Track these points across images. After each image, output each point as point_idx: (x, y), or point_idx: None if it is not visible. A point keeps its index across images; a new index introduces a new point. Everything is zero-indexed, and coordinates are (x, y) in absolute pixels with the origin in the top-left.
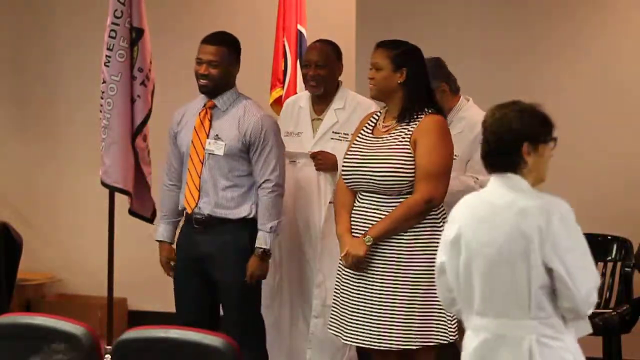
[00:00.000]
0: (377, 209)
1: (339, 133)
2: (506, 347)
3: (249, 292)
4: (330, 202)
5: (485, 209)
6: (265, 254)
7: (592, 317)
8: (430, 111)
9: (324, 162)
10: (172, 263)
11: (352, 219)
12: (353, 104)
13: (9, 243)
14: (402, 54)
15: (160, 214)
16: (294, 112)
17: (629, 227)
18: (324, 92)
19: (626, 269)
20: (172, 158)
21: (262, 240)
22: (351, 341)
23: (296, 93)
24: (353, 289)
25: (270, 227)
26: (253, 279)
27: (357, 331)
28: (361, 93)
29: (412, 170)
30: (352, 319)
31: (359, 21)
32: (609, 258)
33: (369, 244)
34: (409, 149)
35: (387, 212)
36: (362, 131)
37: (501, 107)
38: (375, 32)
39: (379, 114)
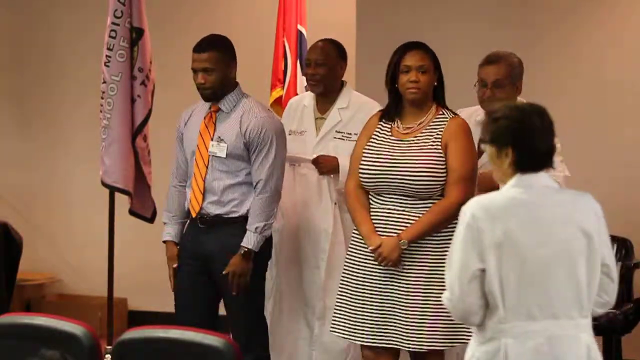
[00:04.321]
0: (405, 212)
1: (342, 132)
2: (565, 349)
3: (254, 294)
4: (335, 204)
5: (531, 208)
6: (249, 254)
7: (594, 317)
8: (453, 114)
9: (325, 165)
10: (174, 265)
11: (374, 220)
12: (357, 103)
13: (9, 243)
14: (435, 56)
15: (168, 215)
16: (297, 111)
17: (629, 227)
18: (327, 91)
19: (627, 268)
20: (180, 158)
21: (246, 240)
22: (370, 342)
23: (296, 93)
24: (381, 290)
25: (256, 228)
26: (233, 278)
27: (382, 332)
28: (361, 92)
29: (445, 173)
30: (376, 320)
31: (359, 21)
32: None
33: (404, 247)
34: (441, 152)
35: (416, 214)
36: (377, 132)
37: (530, 105)
38: (375, 32)
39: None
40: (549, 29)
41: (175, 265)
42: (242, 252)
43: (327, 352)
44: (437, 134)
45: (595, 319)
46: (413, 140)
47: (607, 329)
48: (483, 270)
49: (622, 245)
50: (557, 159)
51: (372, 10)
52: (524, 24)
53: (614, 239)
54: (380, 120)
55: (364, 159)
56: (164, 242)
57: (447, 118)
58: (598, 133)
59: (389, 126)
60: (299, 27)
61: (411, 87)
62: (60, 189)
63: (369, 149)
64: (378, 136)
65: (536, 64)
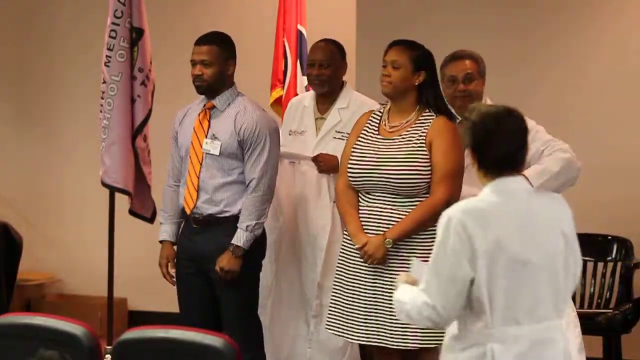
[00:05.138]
0: (392, 210)
1: (341, 132)
2: (548, 351)
3: (248, 293)
4: (333, 202)
5: (517, 214)
6: (238, 251)
7: (594, 317)
8: (441, 113)
9: (325, 164)
10: (170, 266)
11: (362, 219)
12: (356, 103)
13: (9, 243)
14: (422, 56)
15: (164, 215)
16: (298, 111)
17: (629, 227)
18: (328, 92)
19: (627, 268)
20: (175, 158)
21: (236, 237)
22: (363, 340)
23: (296, 93)
24: (368, 288)
25: (247, 226)
26: (221, 274)
27: (370, 330)
28: (361, 92)
29: (429, 172)
30: (366, 318)
31: (359, 21)
32: (609, 258)
33: (389, 246)
34: (425, 150)
35: (403, 212)
36: (365, 131)
37: (496, 107)
38: (376, 33)
39: (378, 113)
40: (550, 36)
41: (173, 270)
42: (232, 248)
43: (324, 350)
44: (422, 132)
45: (593, 317)
46: (398, 138)
47: (606, 329)
48: (472, 279)
49: (622, 245)
50: (547, 137)
51: (372, 10)
52: (526, 32)
53: (614, 239)
54: (369, 119)
55: (351, 157)
56: (160, 241)
57: (432, 116)
58: (597, 134)
59: (377, 125)
60: (299, 27)
61: (382, 81)
62: (60, 189)
63: (356, 148)
64: (365, 135)
65: (535, 70)
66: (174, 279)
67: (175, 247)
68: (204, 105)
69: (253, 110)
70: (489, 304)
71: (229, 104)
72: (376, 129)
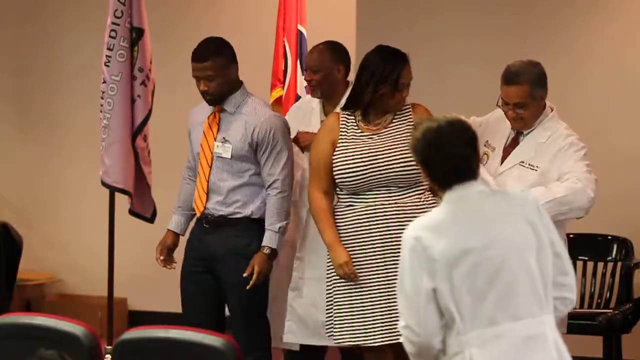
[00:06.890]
0: (396, 203)
1: None
2: (533, 349)
3: (256, 294)
4: None
5: (470, 215)
6: (272, 254)
7: (594, 317)
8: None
9: (305, 140)
10: (164, 253)
11: (366, 215)
12: None
13: (9, 243)
14: None
15: (175, 205)
16: (307, 113)
17: (629, 227)
18: (325, 96)
19: (627, 268)
20: (190, 153)
21: (269, 240)
22: (381, 341)
23: (296, 93)
24: (382, 287)
25: (279, 228)
26: (259, 276)
27: (390, 329)
28: None
29: None
30: (385, 318)
31: (359, 21)
32: (609, 258)
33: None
34: None
35: (403, 203)
36: (343, 133)
37: (445, 119)
38: (376, 33)
39: (348, 115)
40: (548, 39)
41: (171, 265)
42: (266, 251)
43: (304, 324)
44: (409, 122)
45: (593, 317)
46: (386, 131)
47: (606, 329)
48: (435, 290)
49: (622, 245)
50: (576, 164)
51: (372, 10)
52: (526, 33)
53: (614, 239)
54: (341, 120)
55: (341, 160)
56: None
57: (408, 106)
58: (598, 134)
59: (354, 124)
60: (299, 27)
61: (400, 102)
62: (60, 189)
63: (342, 150)
64: (346, 136)
65: (536, 51)
66: (166, 261)
67: (177, 238)
68: (214, 108)
69: (263, 111)
70: (457, 310)
71: (238, 106)
72: (356, 127)
